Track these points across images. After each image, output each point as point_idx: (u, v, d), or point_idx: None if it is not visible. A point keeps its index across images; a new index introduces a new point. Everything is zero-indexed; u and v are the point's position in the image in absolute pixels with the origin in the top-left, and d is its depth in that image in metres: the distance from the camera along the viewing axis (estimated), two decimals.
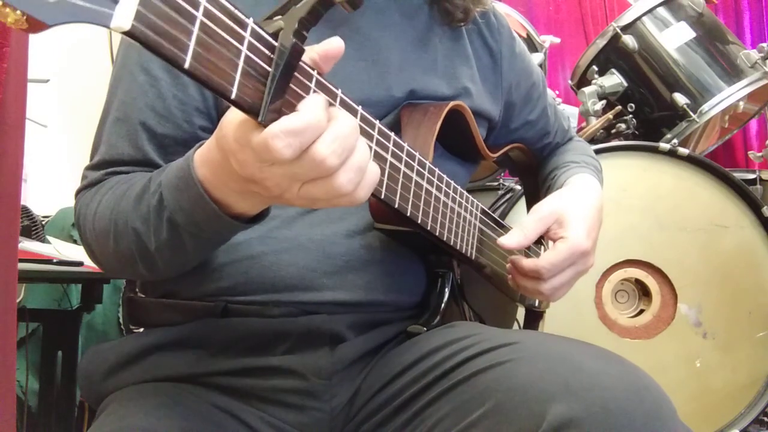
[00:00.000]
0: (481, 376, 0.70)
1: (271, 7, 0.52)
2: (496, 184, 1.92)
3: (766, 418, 1.67)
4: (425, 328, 0.82)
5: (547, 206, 0.89)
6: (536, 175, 1.14)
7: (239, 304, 0.78)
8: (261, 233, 0.78)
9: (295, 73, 0.51)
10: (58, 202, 2.06)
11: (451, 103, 0.85)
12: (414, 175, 0.70)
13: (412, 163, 0.69)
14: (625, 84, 1.94)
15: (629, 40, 1.90)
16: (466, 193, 0.85)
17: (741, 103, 1.93)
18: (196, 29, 0.43)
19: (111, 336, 1.93)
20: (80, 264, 1.35)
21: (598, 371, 0.63)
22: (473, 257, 0.88)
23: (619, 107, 1.95)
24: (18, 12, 0.34)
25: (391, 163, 0.65)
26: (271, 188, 0.54)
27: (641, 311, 1.61)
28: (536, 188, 1.13)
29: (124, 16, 0.39)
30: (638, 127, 1.96)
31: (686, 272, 1.59)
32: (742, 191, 1.60)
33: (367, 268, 0.81)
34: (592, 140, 1.92)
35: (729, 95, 1.84)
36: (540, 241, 0.86)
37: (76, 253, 1.45)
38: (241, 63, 0.47)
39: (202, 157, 0.62)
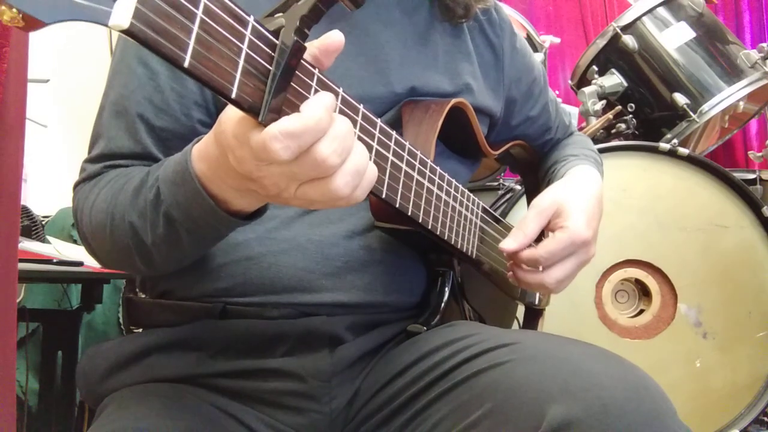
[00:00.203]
0: (481, 377, 0.69)
1: (270, 4, 0.51)
2: (496, 184, 1.92)
3: (766, 418, 1.66)
4: (425, 328, 0.82)
5: (546, 198, 0.88)
6: (537, 171, 1.13)
7: (238, 306, 0.77)
8: (260, 234, 0.78)
9: (297, 72, 0.50)
10: (58, 202, 2.06)
11: (453, 101, 0.84)
12: (415, 174, 0.70)
13: (413, 162, 0.69)
14: (625, 84, 1.94)
15: (629, 40, 1.90)
16: (467, 191, 0.84)
17: (741, 103, 1.93)
18: (196, 27, 0.43)
19: (111, 336, 1.93)
20: (80, 264, 1.35)
21: (597, 372, 0.63)
22: (474, 256, 0.88)
23: (619, 107, 1.95)
24: (14, 10, 0.34)
25: (392, 162, 0.65)
26: (269, 187, 0.54)
27: (641, 311, 1.61)
28: (537, 185, 1.13)
29: (123, 13, 0.38)
30: (638, 127, 1.96)
31: (686, 272, 1.59)
32: (742, 191, 1.60)
33: (366, 269, 0.80)
34: (592, 140, 1.91)
35: (729, 95, 1.84)
36: (541, 237, 0.86)
37: (76, 253, 1.45)
38: (241, 62, 0.46)
39: (200, 152, 0.61)
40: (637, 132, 1.96)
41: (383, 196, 0.64)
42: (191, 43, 0.43)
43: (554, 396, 0.61)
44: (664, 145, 1.59)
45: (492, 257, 0.93)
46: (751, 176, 2.03)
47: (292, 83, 0.50)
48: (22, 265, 1.00)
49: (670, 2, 1.91)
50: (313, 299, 0.78)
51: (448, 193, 0.78)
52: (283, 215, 0.79)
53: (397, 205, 0.67)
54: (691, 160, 1.60)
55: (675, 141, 1.65)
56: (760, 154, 2.09)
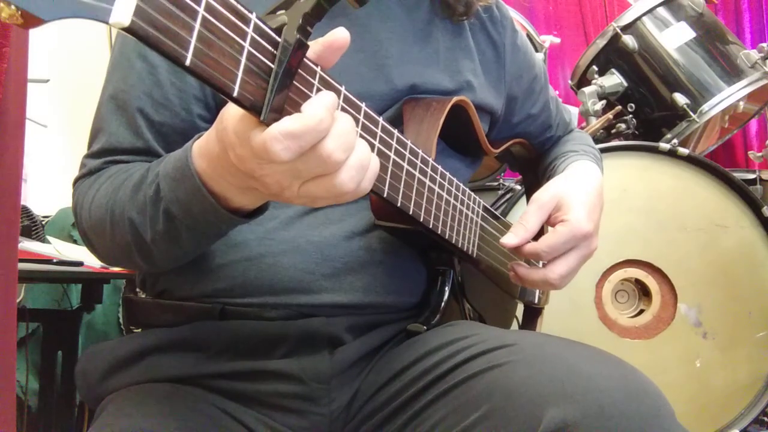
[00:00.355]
0: (479, 379, 0.69)
1: (272, 0, 0.50)
2: (496, 184, 1.92)
3: (766, 418, 1.66)
4: (425, 327, 0.82)
5: (546, 193, 0.87)
6: (537, 168, 1.13)
7: (237, 306, 0.77)
8: (259, 235, 0.77)
9: (299, 70, 0.50)
10: (58, 202, 2.06)
11: (454, 99, 0.84)
12: (417, 173, 0.70)
13: (415, 160, 0.69)
14: (625, 84, 1.94)
15: (629, 40, 1.90)
16: (468, 190, 0.84)
17: (741, 103, 1.93)
18: (197, 25, 0.42)
19: (111, 336, 1.93)
20: (80, 264, 1.35)
21: (594, 374, 0.62)
22: (474, 254, 0.88)
23: (619, 107, 1.95)
24: (12, 7, 0.33)
25: (394, 161, 0.65)
26: (271, 185, 0.53)
27: (641, 311, 1.61)
28: (537, 182, 1.12)
29: (124, 11, 0.38)
30: (638, 127, 1.96)
31: (686, 272, 1.59)
32: (742, 191, 1.59)
33: (366, 270, 0.80)
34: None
35: (729, 95, 1.84)
36: (543, 233, 0.85)
37: (76, 253, 1.45)
38: (243, 60, 0.46)
39: (200, 148, 0.61)
40: (637, 132, 1.96)
41: (385, 195, 0.64)
42: (193, 40, 0.42)
43: (552, 398, 0.61)
44: (664, 145, 1.59)
45: (492, 256, 0.93)
46: (751, 176, 2.03)
47: (294, 81, 0.50)
48: (22, 265, 1.00)
49: (670, 2, 1.91)
50: (313, 300, 0.77)
51: (449, 192, 0.78)
52: (282, 216, 0.78)
53: (399, 204, 0.67)
54: (691, 160, 1.60)
55: (675, 141, 1.65)
56: (760, 154, 2.09)
